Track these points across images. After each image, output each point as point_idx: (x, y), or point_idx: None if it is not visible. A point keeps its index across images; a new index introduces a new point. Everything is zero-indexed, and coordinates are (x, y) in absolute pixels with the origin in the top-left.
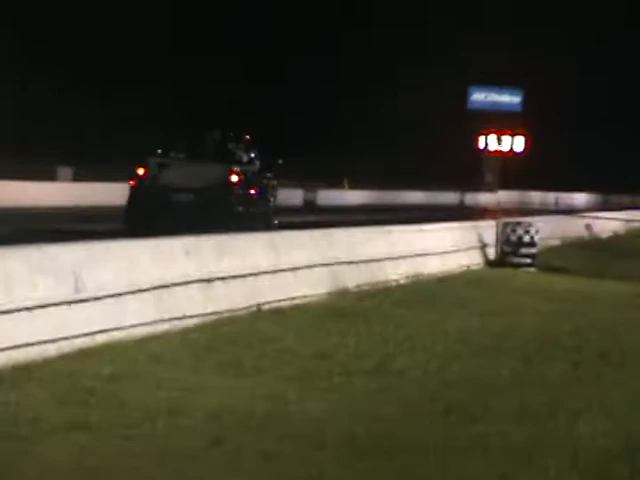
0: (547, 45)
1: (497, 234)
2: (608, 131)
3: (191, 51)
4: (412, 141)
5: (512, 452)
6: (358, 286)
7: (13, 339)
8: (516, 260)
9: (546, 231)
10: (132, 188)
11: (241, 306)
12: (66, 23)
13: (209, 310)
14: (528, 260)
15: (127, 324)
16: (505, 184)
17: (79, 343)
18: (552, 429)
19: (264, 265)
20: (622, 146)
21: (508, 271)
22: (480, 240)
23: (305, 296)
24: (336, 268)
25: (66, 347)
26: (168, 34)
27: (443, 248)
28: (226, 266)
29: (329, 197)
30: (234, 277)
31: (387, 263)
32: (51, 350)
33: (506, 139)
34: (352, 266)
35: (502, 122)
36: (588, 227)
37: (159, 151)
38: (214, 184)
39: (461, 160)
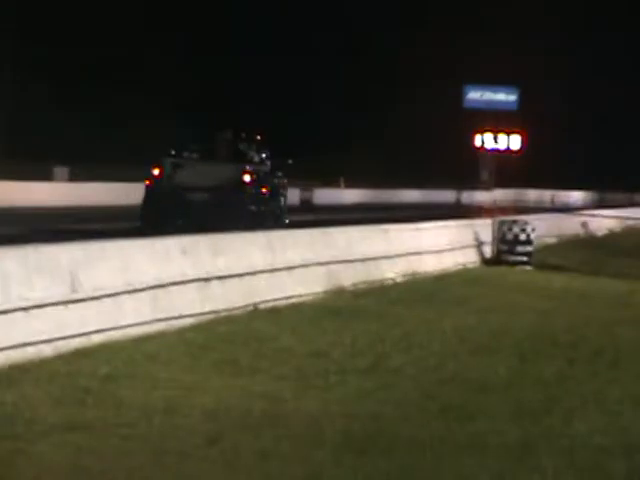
0: (543, 43)
1: (493, 232)
2: (604, 129)
3: (190, 51)
4: (408, 140)
5: (508, 450)
6: (354, 285)
7: (10, 339)
8: (512, 258)
9: (542, 229)
10: (148, 187)
11: (238, 305)
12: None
13: (205, 309)
14: (524, 258)
15: (123, 324)
16: (501, 182)
17: (76, 343)
18: (548, 427)
19: (260, 264)
20: (618, 144)
21: (504, 269)
22: (476, 238)
23: (301, 295)
24: (332, 267)
25: (63, 347)
26: (167, 34)
27: (439, 246)
28: (222, 265)
29: (325, 196)
30: (230, 276)
31: (383, 262)
32: (48, 350)
33: (502, 137)
34: (348, 265)
35: (498, 120)
36: (584, 225)
37: (172, 152)
38: (227, 183)
39: (457, 158)
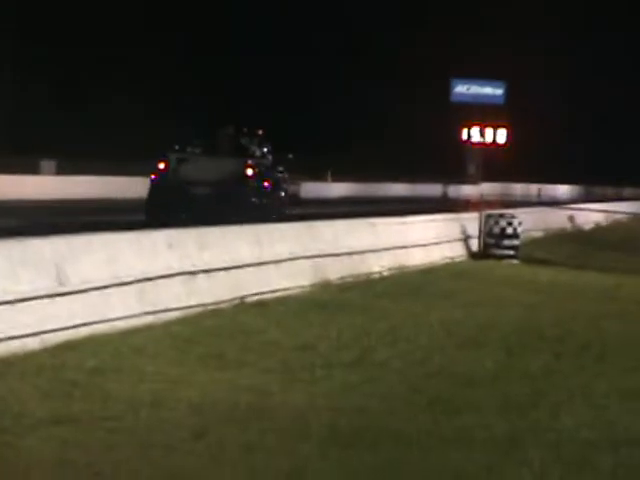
0: (543, 43)
1: (480, 226)
2: (604, 129)
3: (190, 51)
4: (395, 134)
5: (495, 444)
6: (341, 278)
7: None
8: (499, 252)
9: (529, 223)
10: (153, 181)
11: (224, 299)
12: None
13: (192, 303)
14: (511, 252)
15: (110, 317)
16: (488, 176)
17: (62, 336)
18: (535, 420)
19: (247, 258)
20: (618, 144)
21: (491, 263)
22: (463, 232)
23: (288, 288)
24: (319, 260)
25: (49, 340)
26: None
27: (426, 240)
28: (209, 259)
29: (312, 190)
30: (217, 270)
31: (370, 255)
32: (34, 343)
33: (489, 131)
34: (335, 258)
35: (485, 114)
36: (571, 219)
37: (177, 147)
38: (231, 177)
39: (444, 152)
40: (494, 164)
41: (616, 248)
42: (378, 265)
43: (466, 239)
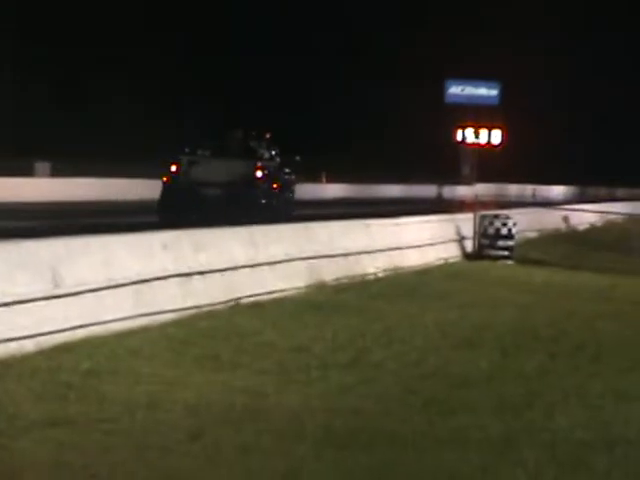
0: (543, 43)
1: (475, 227)
2: (604, 129)
3: (190, 51)
4: (395, 134)
5: (490, 444)
6: (336, 279)
7: None
8: (494, 253)
9: (523, 223)
10: (165, 183)
11: (219, 300)
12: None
13: (187, 304)
14: (506, 252)
15: (106, 319)
16: (483, 177)
17: (58, 338)
18: (530, 421)
19: (242, 259)
20: (618, 144)
21: (486, 264)
22: (458, 233)
23: (283, 290)
24: (314, 262)
25: (45, 342)
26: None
27: (421, 241)
28: (204, 260)
29: (307, 191)
30: (212, 271)
31: (365, 256)
32: (30, 345)
33: (483, 132)
34: (330, 260)
35: (480, 115)
36: (565, 219)
37: (187, 149)
38: (241, 179)
39: (439, 153)
40: (489, 165)
41: (611, 248)
42: (373, 266)
43: (461, 240)
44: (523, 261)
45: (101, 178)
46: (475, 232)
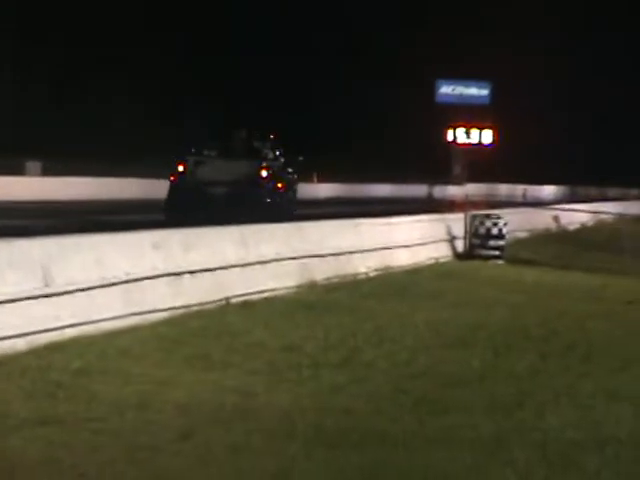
0: (543, 43)
1: (466, 226)
2: (604, 129)
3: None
4: (381, 134)
5: (481, 444)
6: (327, 279)
7: None
8: (484, 252)
9: (514, 223)
10: (172, 182)
11: (210, 299)
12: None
13: (178, 304)
14: (496, 252)
15: (96, 318)
16: (473, 177)
17: (48, 337)
18: (521, 420)
19: (233, 258)
20: (618, 144)
21: (477, 263)
22: (449, 233)
23: (274, 289)
24: (305, 261)
25: (35, 341)
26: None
27: (412, 241)
28: (195, 260)
29: (298, 190)
30: (203, 270)
31: (356, 256)
32: (20, 344)
33: (474, 132)
34: (321, 259)
35: (471, 115)
36: (556, 219)
37: (193, 150)
38: (246, 179)
39: (430, 153)
40: (480, 165)
41: (601, 248)
42: (364, 266)
43: (452, 240)
44: (514, 261)
45: (93, 177)
46: (466, 232)
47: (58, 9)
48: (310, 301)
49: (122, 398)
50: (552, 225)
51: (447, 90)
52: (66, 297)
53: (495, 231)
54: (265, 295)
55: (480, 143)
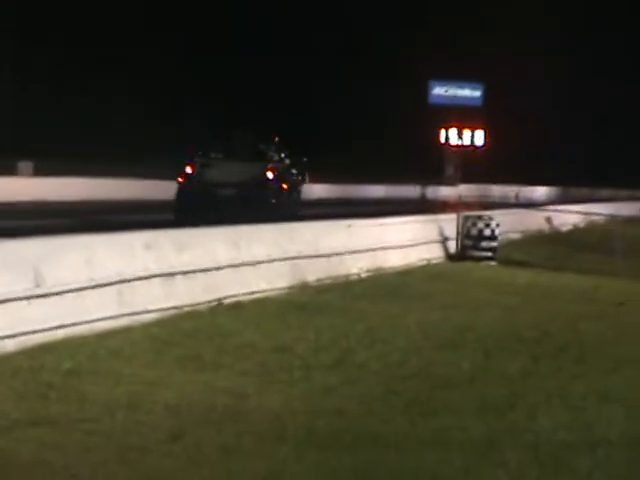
0: (543, 43)
1: (458, 228)
2: (604, 129)
3: (190, 51)
4: (381, 134)
5: (473, 445)
6: (319, 280)
7: None
8: (477, 254)
9: (507, 224)
10: (181, 184)
11: (202, 300)
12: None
13: (169, 304)
14: (489, 254)
15: (87, 319)
16: (466, 178)
17: (39, 338)
18: (512, 422)
19: (225, 259)
20: (618, 144)
21: (469, 265)
22: (441, 234)
23: (265, 290)
24: (297, 262)
25: (26, 342)
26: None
27: (404, 242)
28: (187, 260)
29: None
30: (194, 271)
31: (348, 257)
32: (11, 345)
33: (467, 133)
34: (313, 260)
35: (463, 116)
36: (549, 220)
37: (200, 152)
38: (253, 180)
39: (422, 154)
40: (473, 166)
41: (594, 250)
42: (356, 267)
43: (444, 241)
44: (506, 262)
45: (88, 178)
46: (458, 233)
47: (58, 9)
48: (302, 302)
49: (113, 399)
50: (545, 226)
51: (440, 91)
52: (57, 298)
53: (487, 232)
54: (257, 296)
55: (473, 144)
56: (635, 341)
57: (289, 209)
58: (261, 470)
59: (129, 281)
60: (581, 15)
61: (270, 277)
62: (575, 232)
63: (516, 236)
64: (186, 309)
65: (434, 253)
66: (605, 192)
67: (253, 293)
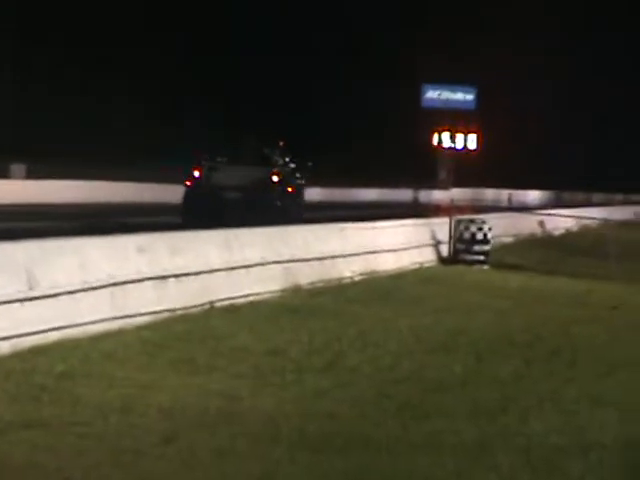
0: (543, 43)
1: (450, 231)
2: (604, 129)
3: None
4: (367, 139)
5: (465, 449)
6: (311, 283)
7: None
8: (469, 257)
9: (499, 228)
10: (188, 187)
11: (194, 303)
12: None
13: (163, 307)
14: (481, 257)
15: (80, 321)
16: (459, 181)
17: (32, 340)
18: (504, 426)
19: (218, 263)
20: (618, 144)
21: (461, 268)
22: (433, 237)
23: (258, 293)
24: (289, 265)
25: (19, 344)
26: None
27: (396, 245)
28: (180, 264)
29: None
30: (187, 274)
31: (340, 260)
32: (4, 347)
33: (459, 137)
34: (305, 263)
35: (456, 120)
36: (541, 224)
37: (207, 156)
38: (259, 184)
39: (415, 158)
40: (465, 169)
41: (586, 254)
42: (349, 270)
43: (436, 244)
44: (499, 266)
45: (81, 180)
46: (451, 237)
47: (58, 9)
48: (294, 305)
49: (106, 402)
50: (537, 230)
51: (433, 95)
52: (50, 300)
53: (480, 236)
54: (250, 299)
55: (465, 148)
56: (628, 345)
57: (294, 212)
58: (254, 472)
59: (122, 284)
60: (581, 15)
61: (263, 280)
62: (568, 236)
63: (509, 240)
64: (179, 312)
65: (427, 257)
66: (599, 196)
67: (246, 296)
